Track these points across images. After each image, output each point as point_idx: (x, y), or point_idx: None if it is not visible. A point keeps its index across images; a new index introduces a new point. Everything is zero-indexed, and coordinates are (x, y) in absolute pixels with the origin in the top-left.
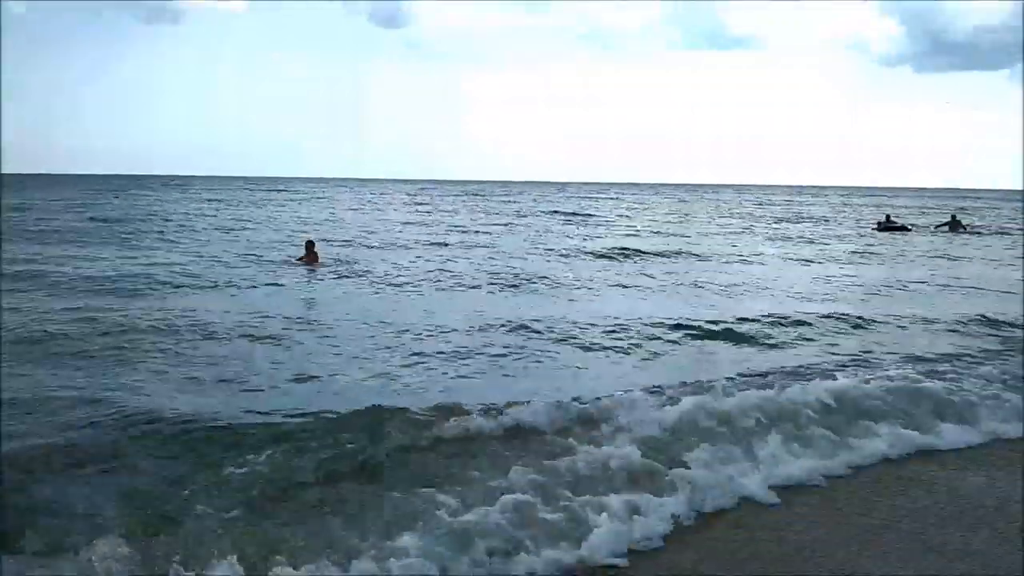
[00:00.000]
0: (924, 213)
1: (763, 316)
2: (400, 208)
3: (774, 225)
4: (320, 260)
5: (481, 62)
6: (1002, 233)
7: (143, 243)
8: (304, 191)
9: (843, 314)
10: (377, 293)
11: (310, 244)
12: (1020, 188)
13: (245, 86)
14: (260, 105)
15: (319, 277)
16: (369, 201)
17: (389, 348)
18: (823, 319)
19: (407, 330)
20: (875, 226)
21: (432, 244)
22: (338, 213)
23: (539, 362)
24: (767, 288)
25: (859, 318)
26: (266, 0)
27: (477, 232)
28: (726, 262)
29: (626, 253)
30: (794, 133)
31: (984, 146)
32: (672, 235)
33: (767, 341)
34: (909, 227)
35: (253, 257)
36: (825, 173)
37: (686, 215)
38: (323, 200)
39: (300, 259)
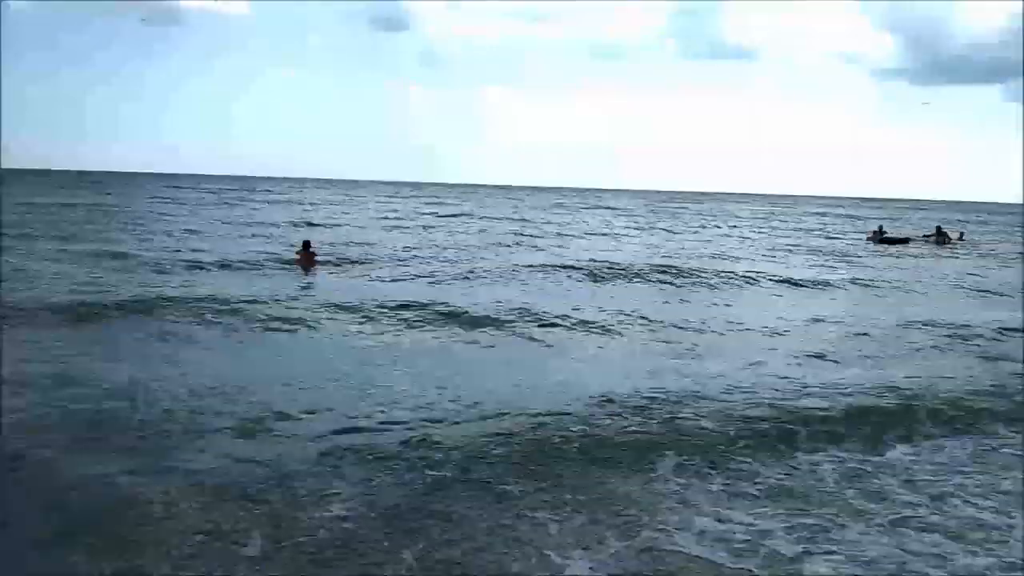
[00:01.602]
0: (912, 224)
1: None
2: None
3: (771, 238)
4: (316, 262)
5: (486, 71)
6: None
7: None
8: (288, 190)
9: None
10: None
11: (306, 244)
12: (1014, 202)
13: (242, 87)
14: (256, 105)
15: (312, 292)
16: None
17: None
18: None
19: None
20: (870, 236)
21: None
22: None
23: None
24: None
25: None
26: (267, 1)
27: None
28: (721, 281)
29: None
30: (790, 143)
31: (979, 159)
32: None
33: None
34: (906, 239)
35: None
36: (821, 183)
37: (690, 226)
38: (316, 203)
39: (296, 261)
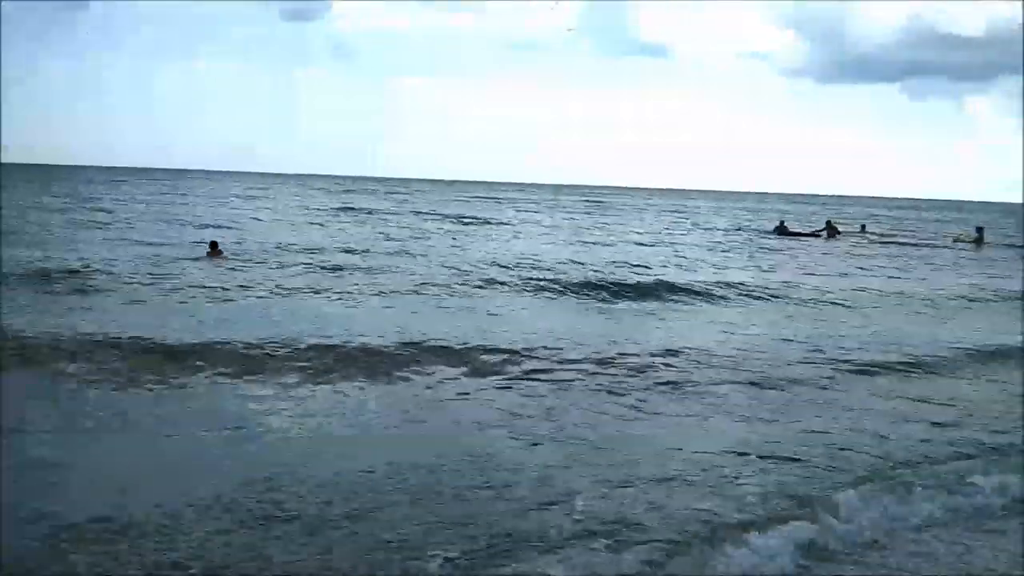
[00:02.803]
0: (813, 216)
1: None
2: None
3: (679, 233)
4: (224, 258)
5: (401, 61)
6: (891, 242)
7: None
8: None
9: None
10: None
11: (214, 244)
12: (920, 197)
13: (148, 74)
14: (166, 95)
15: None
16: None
17: None
18: None
19: None
20: (775, 228)
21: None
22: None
23: None
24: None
25: None
26: None
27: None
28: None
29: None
30: (702, 140)
31: (886, 156)
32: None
33: None
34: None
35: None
36: (734, 178)
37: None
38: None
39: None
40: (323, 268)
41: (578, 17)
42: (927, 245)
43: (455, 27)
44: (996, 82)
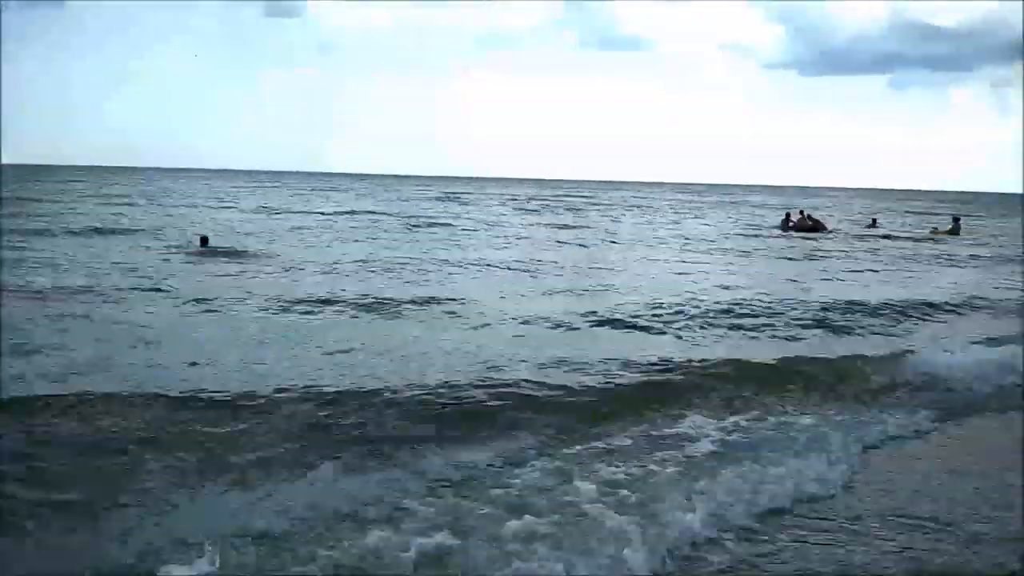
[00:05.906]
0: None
1: None
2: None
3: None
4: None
5: (377, 61)
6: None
7: None
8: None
9: None
10: None
11: (204, 239)
12: (915, 188)
13: (130, 72)
14: (144, 92)
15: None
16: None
17: None
18: None
19: None
20: (788, 222)
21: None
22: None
23: None
24: None
25: None
26: None
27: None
28: None
29: None
30: (685, 132)
31: (867, 147)
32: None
33: None
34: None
35: None
36: (716, 171)
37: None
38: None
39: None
40: None
41: (556, 11)
42: (908, 238)
43: (435, 23)
44: (976, 72)
